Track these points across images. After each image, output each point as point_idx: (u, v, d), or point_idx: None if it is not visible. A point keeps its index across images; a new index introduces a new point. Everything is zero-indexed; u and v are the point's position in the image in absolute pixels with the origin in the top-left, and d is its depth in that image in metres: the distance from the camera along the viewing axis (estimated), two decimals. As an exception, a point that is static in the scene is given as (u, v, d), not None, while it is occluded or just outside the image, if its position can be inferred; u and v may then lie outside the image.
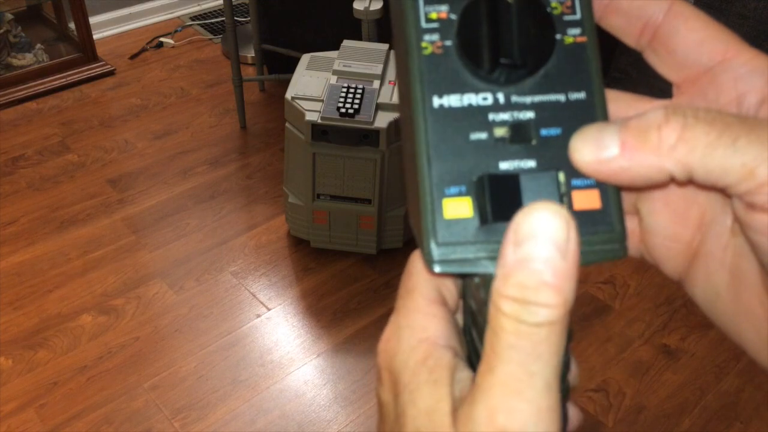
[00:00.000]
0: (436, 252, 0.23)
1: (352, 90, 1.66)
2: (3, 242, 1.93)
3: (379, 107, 1.64)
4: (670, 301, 1.80)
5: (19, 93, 2.50)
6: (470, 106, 0.24)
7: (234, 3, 2.23)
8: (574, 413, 0.26)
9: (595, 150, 0.22)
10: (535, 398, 0.20)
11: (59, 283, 1.82)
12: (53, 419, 1.51)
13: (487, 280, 0.23)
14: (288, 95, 1.68)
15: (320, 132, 1.64)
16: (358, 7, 1.78)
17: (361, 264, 1.88)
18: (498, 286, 0.21)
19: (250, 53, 2.71)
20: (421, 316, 0.24)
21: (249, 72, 2.71)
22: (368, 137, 1.63)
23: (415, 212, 0.24)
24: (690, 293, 0.27)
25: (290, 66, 2.04)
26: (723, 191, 0.22)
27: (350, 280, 1.84)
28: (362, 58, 1.74)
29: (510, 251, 0.21)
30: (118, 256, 1.90)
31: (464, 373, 0.23)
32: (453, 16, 0.24)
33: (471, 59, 0.24)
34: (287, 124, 1.73)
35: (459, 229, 0.23)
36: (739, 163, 0.20)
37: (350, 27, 1.95)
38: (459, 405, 0.22)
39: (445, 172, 0.23)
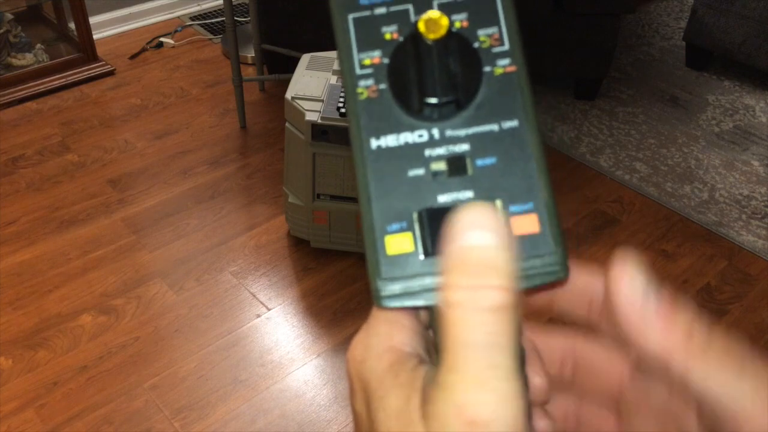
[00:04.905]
0: (381, 288, 0.24)
1: (352, 90, 1.65)
2: (3, 242, 1.93)
3: (379, 107, 1.64)
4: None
5: (19, 93, 2.50)
6: (407, 144, 0.24)
7: (234, 3, 2.23)
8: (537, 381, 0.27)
9: (638, 293, 0.24)
10: (500, 387, 0.21)
11: (59, 283, 1.82)
12: (53, 419, 1.51)
13: (434, 311, 0.24)
14: (288, 95, 1.68)
15: (320, 132, 1.64)
16: (358, 7, 1.78)
17: (361, 264, 1.88)
18: (444, 280, 0.21)
19: (250, 53, 2.71)
20: (388, 325, 0.25)
21: (249, 72, 2.71)
22: (368, 137, 1.63)
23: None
24: None
25: (290, 66, 2.05)
26: (700, 404, 0.24)
27: (350, 280, 1.84)
28: (362, 58, 1.74)
29: (449, 247, 0.22)
30: (118, 256, 1.90)
31: (431, 375, 0.23)
32: (386, 60, 0.25)
33: (401, 101, 0.25)
34: (287, 124, 1.73)
35: (402, 264, 0.24)
36: (739, 390, 0.23)
37: (350, 27, 1.94)
38: (426, 403, 0.22)
39: (385, 210, 0.24)
